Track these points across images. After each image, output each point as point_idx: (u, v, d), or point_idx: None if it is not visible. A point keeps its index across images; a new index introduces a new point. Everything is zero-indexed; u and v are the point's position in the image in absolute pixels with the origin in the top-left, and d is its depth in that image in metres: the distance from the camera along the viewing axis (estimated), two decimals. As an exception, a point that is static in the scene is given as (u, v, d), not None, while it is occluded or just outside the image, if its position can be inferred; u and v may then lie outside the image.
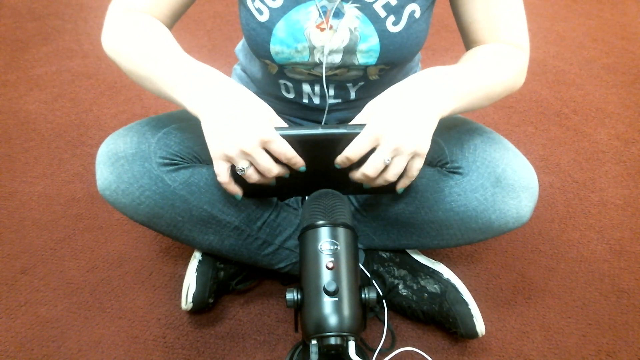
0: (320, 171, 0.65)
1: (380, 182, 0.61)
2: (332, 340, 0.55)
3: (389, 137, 0.57)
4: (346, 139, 0.60)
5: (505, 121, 1.37)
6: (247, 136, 0.58)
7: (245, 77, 0.90)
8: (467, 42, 0.76)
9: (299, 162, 0.61)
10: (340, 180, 0.66)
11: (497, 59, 0.69)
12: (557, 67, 1.61)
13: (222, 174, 0.61)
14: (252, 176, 0.61)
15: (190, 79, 0.61)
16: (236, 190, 0.65)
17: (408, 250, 0.88)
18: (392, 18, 0.69)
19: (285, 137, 0.60)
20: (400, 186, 0.64)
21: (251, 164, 0.60)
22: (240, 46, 0.91)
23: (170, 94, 0.63)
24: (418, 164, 0.60)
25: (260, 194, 0.75)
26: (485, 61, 0.68)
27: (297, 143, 0.61)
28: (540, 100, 1.45)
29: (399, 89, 0.61)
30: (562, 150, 1.27)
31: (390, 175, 0.60)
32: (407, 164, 0.60)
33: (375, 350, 0.82)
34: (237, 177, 0.64)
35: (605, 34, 1.79)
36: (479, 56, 0.69)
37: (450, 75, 0.63)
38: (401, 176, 0.63)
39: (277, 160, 0.61)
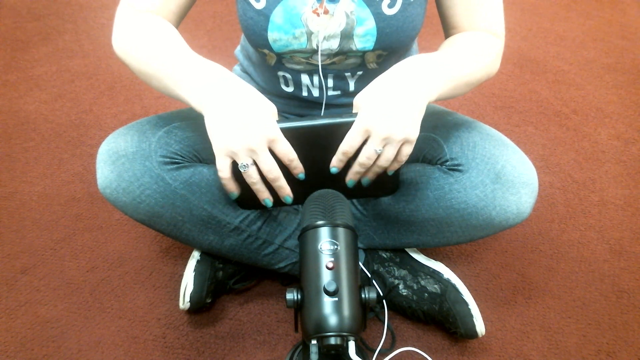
0: (317, 179, 0.66)
1: (374, 170, 0.64)
2: (332, 340, 0.56)
3: (379, 128, 0.60)
4: (343, 129, 0.62)
5: (505, 121, 1.37)
6: (254, 133, 0.59)
7: (246, 77, 0.90)
8: (446, 27, 0.78)
9: (299, 167, 0.63)
10: (337, 187, 0.67)
11: (475, 47, 0.71)
12: (557, 67, 1.61)
13: (225, 170, 0.62)
14: (253, 175, 0.62)
15: (194, 75, 0.63)
16: (233, 188, 0.66)
17: (408, 250, 0.88)
18: (387, 0, 0.70)
19: (285, 129, 0.61)
20: (391, 169, 0.66)
21: (254, 162, 0.60)
22: (239, 47, 0.91)
23: (176, 90, 0.64)
24: (407, 150, 0.63)
25: (258, 204, 0.74)
26: (465, 49, 0.70)
27: (297, 137, 0.62)
28: (540, 100, 1.45)
29: (384, 79, 0.63)
30: (562, 150, 1.27)
31: (383, 162, 0.63)
32: (397, 150, 0.63)
33: (375, 350, 0.82)
34: (238, 177, 0.64)
35: (605, 34, 1.79)
36: (458, 44, 0.71)
37: (433, 62, 0.65)
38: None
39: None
